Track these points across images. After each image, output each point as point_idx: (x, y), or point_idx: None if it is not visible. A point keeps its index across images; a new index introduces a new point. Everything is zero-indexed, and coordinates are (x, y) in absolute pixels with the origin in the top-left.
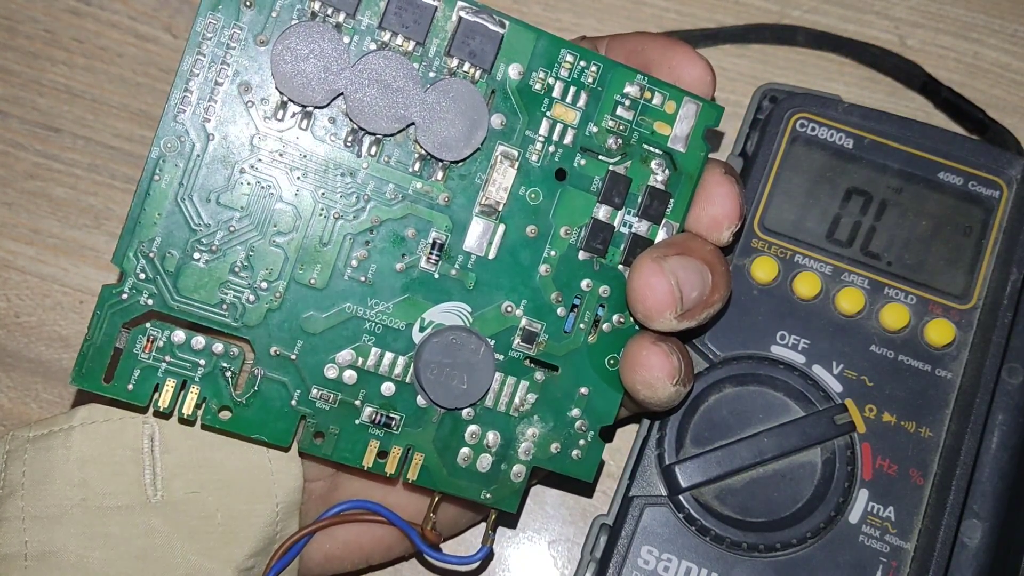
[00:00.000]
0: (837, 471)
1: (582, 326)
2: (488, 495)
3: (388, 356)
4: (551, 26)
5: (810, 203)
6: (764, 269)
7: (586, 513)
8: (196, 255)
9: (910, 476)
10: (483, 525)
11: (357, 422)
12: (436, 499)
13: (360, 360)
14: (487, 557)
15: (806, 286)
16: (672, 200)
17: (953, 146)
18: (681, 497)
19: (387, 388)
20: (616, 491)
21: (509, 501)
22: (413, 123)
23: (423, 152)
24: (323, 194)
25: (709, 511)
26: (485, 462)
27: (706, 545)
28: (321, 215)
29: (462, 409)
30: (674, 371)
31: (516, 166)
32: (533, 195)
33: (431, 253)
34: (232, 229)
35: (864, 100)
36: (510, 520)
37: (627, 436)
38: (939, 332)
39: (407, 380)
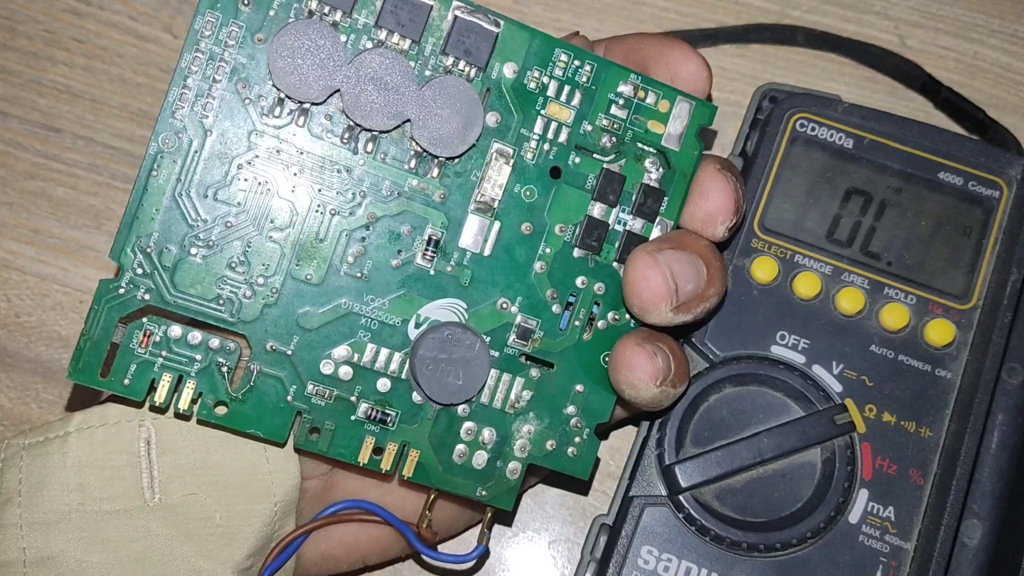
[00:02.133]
0: (837, 471)
1: (577, 323)
2: (484, 492)
3: (384, 352)
4: (551, 26)
5: (810, 203)
6: (764, 269)
7: (586, 513)
8: (193, 250)
9: (910, 476)
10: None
11: (353, 418)
12: (432, 496)
13: (356, 356)
14: (483, 555)
15: (806, 286)
16: (666, 198)
17: (953, 146)
18: (681, 497)
19: (383, 384)
20: (616, 491)
21: (505, 498)
22: (409, 120)
23: (419, 149)
24: (319, 190)
25: (709, 511)
26: (481, 459)
27: (706, 545)
28: (317, 211)
29: (457, 405)
30: (657, 372)
31: (511, 163)
32: (528, 192)
33: (427, 250)
34: (229, 225)
35: (864, 100)
36: (506, 518)
37: (627, 436)
38: (939, 332)
39: (403, 376)
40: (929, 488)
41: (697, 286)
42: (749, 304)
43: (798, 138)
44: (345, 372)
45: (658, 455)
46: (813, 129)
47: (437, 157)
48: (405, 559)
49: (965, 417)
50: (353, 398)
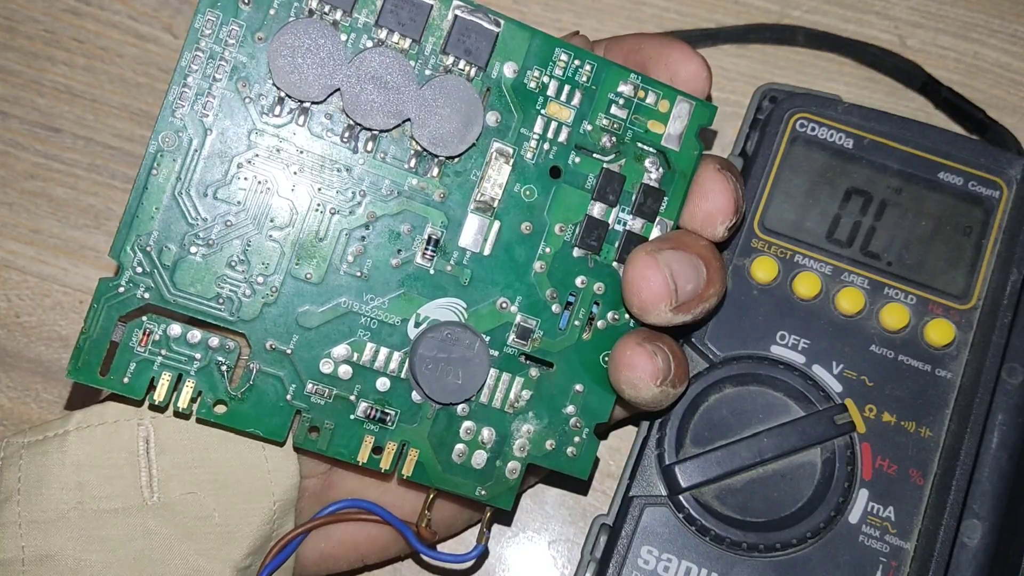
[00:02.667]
0: (837, 471)
1: (577, 323)
2: (483, 492)
3: (383, 351)
4: (551, 26)
5: (810, 203)
6: (764, 269)
7: (586, 513)
8: (193, 249)
9: (910, 476)
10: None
11: (352, 417)
12: (431, 496)
13: (355, 355)
14: (482, 555)
15: (806, 286)
16: (666, 198)
17: (953, 146)
18: (681, 497)
19: (382, 383)
20: (616, 491)
21: (504, 498)
22: (409, 119)
23: (419, 148)
24: (319, 189)
25: (709, 511)
26: (480, 458)
27: (706, 545)
28: (317, 210)
29: (457, 405)
30: (658, 372)
31: (511, 163)
32: (528, 192)
33: (426, 249)
34: (229, 223)
35: (864, 100)
36: (506, 518)
37: (627, 436)
38: (939, 332)
39: (402, 375)
40: (929, 488)
41: (697, 286)
42: (749, 304)
43: (798, 138)
44: (344, 371)
45: (658, 455)
46: (813, 129)
47: (437, 156)
48: (404, 559)
49: (965, 417)
50: (352, 397)
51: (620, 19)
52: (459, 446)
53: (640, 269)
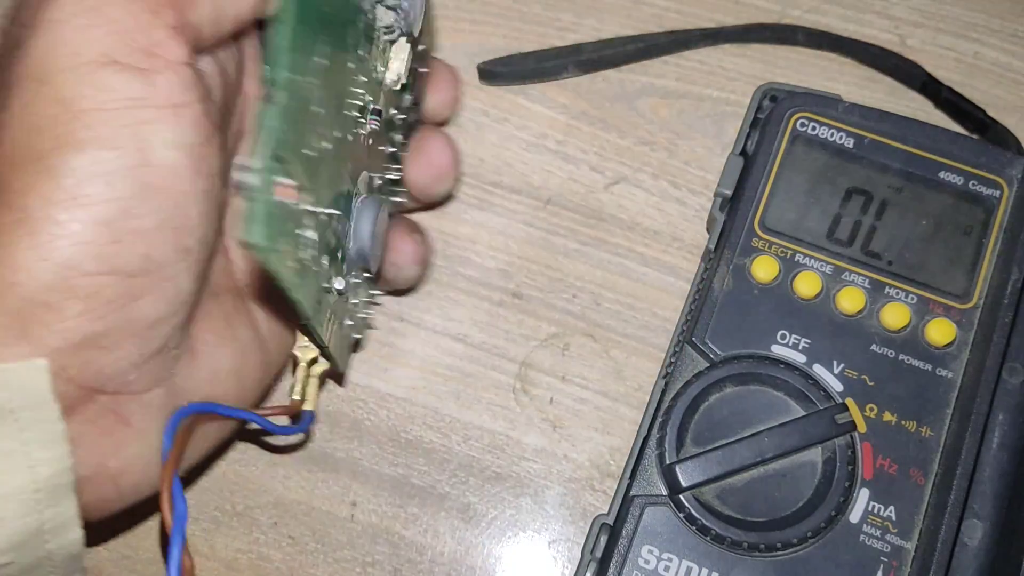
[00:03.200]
0: (838, 471)
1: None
2: (341, 357)
3: (347, 227)
4: (551, 25)
5: (810, 202)
6: (764, 268)
7: (586, 513)
8: (317, 142)
9: (911, 476)
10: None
11: (330, 297)
12: (310, 360)
13: (342, 230)
14: (312, 422)
15: (807, 285)
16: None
17: (953, 145)
18: (682, 496)
19: (342, 258)
20: (616, 491)
21: (347, 362)
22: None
23: (386, 25)
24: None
25: (710, 510)
26: (346, 329)
27: (707, 544)
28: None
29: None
30: (420, 255)
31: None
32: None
33: (370, 121)
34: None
35: (864, 100)
36: (338, 378)
37: (627, 436)
38: (940, 331)
39: (349, 251)
40: (930, 488)
41: (458, 160)
42: (750, 303)
43: (799, 137)
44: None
45: (659, 455)
46: (814, 128)
47: (407, 36)
48: (233, 440)
49: (966, 416)
50: (335, 276)
51: (620, 19)
52: (346, 318)
53: (440, 143)
